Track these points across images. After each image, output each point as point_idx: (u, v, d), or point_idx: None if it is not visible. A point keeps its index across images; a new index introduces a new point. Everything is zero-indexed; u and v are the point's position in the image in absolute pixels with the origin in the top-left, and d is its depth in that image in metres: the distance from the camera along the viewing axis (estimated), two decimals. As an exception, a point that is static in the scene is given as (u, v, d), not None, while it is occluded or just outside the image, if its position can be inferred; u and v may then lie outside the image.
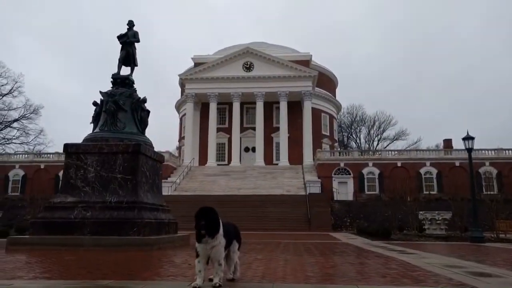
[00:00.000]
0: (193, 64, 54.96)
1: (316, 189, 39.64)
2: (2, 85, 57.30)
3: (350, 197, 40.95)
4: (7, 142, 59.34)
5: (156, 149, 13.95)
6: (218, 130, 51.79)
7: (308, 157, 48.60)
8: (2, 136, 59.43)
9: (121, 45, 14.31)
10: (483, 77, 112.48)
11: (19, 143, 59.81)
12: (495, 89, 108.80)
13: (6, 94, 57.86)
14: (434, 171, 42.78)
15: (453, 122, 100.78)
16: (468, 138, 19.34)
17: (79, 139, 12.85)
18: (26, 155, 50.07)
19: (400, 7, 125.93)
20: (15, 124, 59.48)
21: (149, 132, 13.86)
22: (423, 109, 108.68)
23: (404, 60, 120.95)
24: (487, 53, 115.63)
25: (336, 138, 63.47)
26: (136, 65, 14.43)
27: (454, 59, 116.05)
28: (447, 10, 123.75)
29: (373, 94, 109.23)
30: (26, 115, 59.16)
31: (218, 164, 49.42)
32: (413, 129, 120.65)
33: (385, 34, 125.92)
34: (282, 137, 49.52)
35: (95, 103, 13.46)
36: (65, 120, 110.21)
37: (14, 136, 59.71)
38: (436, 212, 23.45)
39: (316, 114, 54.37)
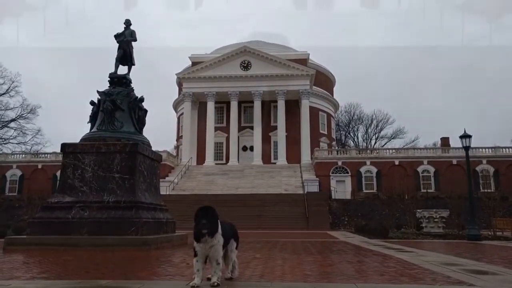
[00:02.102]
0: (190, 63, 54.89)
1: (314, 188, 39.71)
2: (-1, 85, 57.07)
3: (348, 195, 40.97)
4: (4, 142, 59.06)
5: (153, 149, 13.94)
6: (216, 129, 51.74)
7: (306, 156, 48.64)
8: (-1, 136, 59.24)
9: (118, 44, 14.28)
10: (487, 71, 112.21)
11: (16, 143, 59.55)
12: (498, 85, 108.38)
13: (3, 94, 57.57)
14: (432, 169, 42.82)
15: (451, 121, 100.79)
16: (465, 136, 19.36)
17: (77, 139, 12.84)
18: (23, 155, 49.82)
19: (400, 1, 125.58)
20: (12, 124, 59.19)
21: (147, 132, 13.85)
22: (420, 108, 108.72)
23: (403, 57, 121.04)
24: (491, 48, 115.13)
25: (334, 137, 63.54)
26: (134, 64, 14.41)
27: (455, 54, 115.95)
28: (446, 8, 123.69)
29: (371, 92, 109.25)
30: (23, 115, 58.85)
31: (216, 163, 49.37)
32: (410, 127, 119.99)
33: (385, 32, 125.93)
34: (280, 136, 49.56)
35: (92, 103, 13.43)
36: (64, 119, 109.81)
37: (11, 136, 59.42)
38: (434, 210, 23.49)
39: (314, 112, 54.40)
